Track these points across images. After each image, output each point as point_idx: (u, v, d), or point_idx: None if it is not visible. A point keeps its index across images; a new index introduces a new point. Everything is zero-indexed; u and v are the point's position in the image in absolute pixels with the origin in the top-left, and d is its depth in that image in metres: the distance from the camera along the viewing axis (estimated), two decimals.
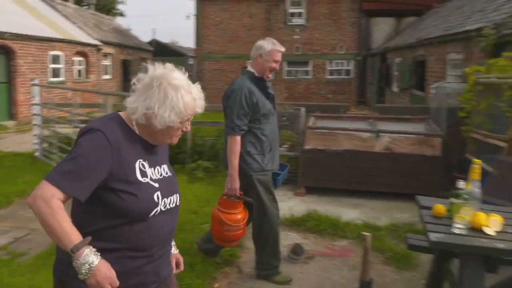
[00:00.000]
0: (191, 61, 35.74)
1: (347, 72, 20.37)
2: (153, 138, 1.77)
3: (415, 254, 4.32)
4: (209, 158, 7.51)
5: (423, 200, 2.96)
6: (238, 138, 3.51)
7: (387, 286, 3.84)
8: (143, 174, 1.72)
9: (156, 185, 1.76)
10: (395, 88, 15.95)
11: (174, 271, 2.01)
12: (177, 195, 1.88)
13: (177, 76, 1.70)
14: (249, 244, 4.68)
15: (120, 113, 1.78)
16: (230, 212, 3.57)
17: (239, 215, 3.58)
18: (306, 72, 20.33)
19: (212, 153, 7.57)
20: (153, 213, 1.74)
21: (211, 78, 20.25)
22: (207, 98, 1.82)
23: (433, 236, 2.40)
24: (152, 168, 1.78)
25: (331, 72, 20.30)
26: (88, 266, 1.55)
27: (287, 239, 4.83)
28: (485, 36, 7.51)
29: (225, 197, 3.63)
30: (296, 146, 7.12)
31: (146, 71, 1.71)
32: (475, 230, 2.48)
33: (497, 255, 2.45)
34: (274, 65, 3.57)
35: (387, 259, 4.36)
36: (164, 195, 1.78)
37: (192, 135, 8.00)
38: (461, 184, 2.51)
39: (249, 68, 3.65)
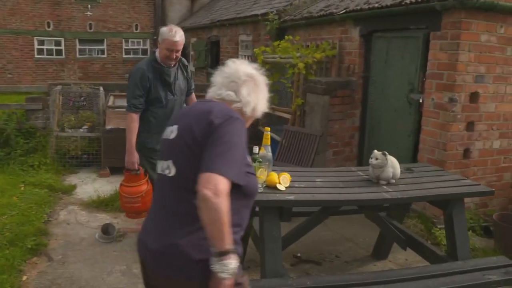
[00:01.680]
0: None
1: (144, 51, 20.11)
2: None
3: None
4: None
5: None
6: (134, 115, 3.72)
7: None
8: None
9: (250, 161, 1.89)
10: (192, 67, 16.51)
11: None
12: None
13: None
14: (56, 230, 4.51)
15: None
16: (130, 185, 3.88)
17: (141, 187, 3.85)
18: (102, 51, 19.44)
19: (1, 139, 6.83)
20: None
21: None
22: None
23: None
24: None
25: (128, 51, 19.73)
26: (233, 267, 1.55)
27: (96, 220, 4.78)
28: (270, 20, 8.31)
29: (126, 171, 3.87)
30: (97, 127, 6.92)
31: (233, 67, 1.89)
32: (270, 187, 2.89)
33: (288, 206, 2.90)
34: (168, 53, 3.66)
35: None
36: None
37: None
38: (255, 149, 2.87)
39: (157, 52, 3.75)
